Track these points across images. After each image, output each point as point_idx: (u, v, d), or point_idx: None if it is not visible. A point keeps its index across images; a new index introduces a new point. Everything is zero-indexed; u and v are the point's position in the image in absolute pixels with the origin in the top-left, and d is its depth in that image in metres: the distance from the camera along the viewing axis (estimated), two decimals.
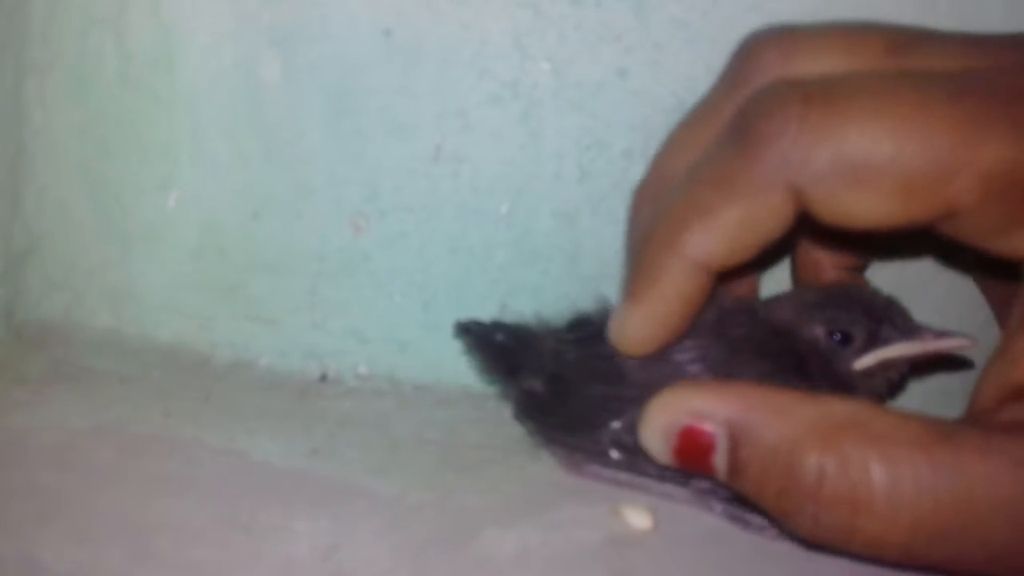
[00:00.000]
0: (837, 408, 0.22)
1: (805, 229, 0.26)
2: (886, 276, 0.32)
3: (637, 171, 0.32)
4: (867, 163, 0.22)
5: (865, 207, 0.23)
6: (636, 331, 0.26)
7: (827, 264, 0.30)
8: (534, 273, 0.33)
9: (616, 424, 0.28)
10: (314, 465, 0.28)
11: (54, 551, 0.23)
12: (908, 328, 0.27)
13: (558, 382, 0.29)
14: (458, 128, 0.33)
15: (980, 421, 0.23)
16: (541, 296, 0.32)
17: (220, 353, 0.34)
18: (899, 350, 0.27)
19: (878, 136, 0.22)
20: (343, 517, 0.25)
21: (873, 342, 0.27)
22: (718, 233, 0.24)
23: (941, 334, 0.27)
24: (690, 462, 0.24)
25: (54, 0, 0.32)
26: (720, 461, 0.23)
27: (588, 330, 0.29)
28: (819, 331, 0.27)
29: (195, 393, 0.32)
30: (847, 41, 0.25)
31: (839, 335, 0.27)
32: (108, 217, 0.34)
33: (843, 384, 0.27)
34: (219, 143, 0.33)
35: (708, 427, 0.23)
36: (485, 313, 0.32)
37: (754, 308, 0.28)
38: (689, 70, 0.32)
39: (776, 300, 0.29)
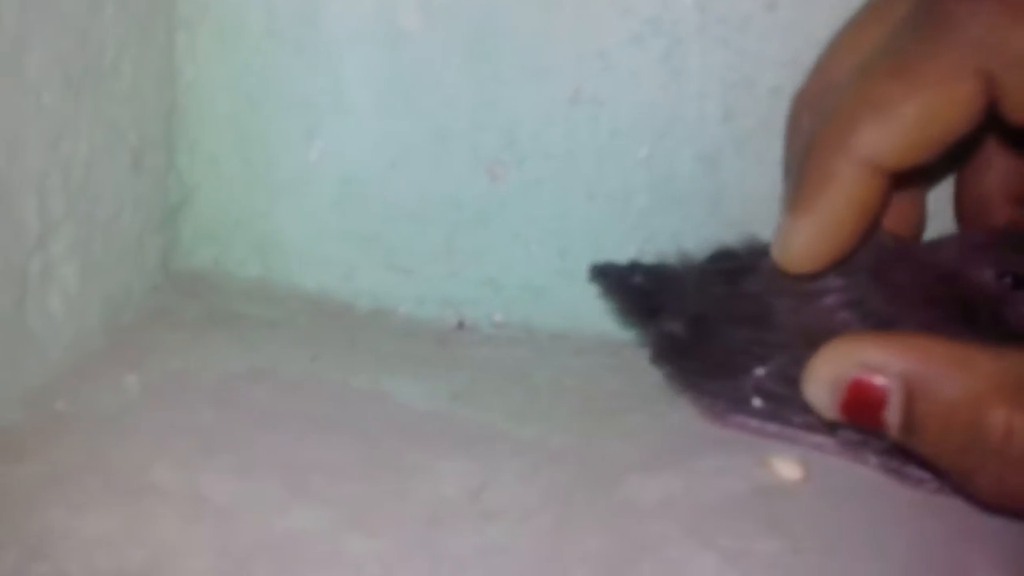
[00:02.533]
0: None
1: (973, 157, 0.24)
2: None
3: (785, 110, 0.31)
4: None
5: None
6: (802, 244, 0.24)
7: (997, 198, 0.28)
8: (675, 219, 0.33)
9: (760, 371, 0.27)
10: (455, 409, 0.28)
11: (216, 484, 0.24)
12: None
13: (700, 323, 0.28)
14: (598, 70, 0.32)
15: None
16: (682, 242, 0.31)
17: (361, 302, 0.35)
18: None
19: None
20: (487, 459, 0.26)
21: None
22: (896, 127, 0.22)
23: None
24: (859, 417, 0.23)
25: None
26: (893, 416, 0.22)
27: (733, 263, 0.28)
28: (988, 274, 0.25)
29: (340, 339, 0.33)
30: None
31: (1011, 277, 0.25)
32: (255, 169, 0.35)
33: (1017, 332, 0.25)
34: (360, 93, 0.33)
35: (880, 381, 0.22)
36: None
37: (916, 250, 0.27)
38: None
39: (940, 242, 0.27)
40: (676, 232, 0.32)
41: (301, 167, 0.34)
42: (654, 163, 0.32)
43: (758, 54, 0.31)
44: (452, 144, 0.33)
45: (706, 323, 0.28)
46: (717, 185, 0.32)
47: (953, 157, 0.27)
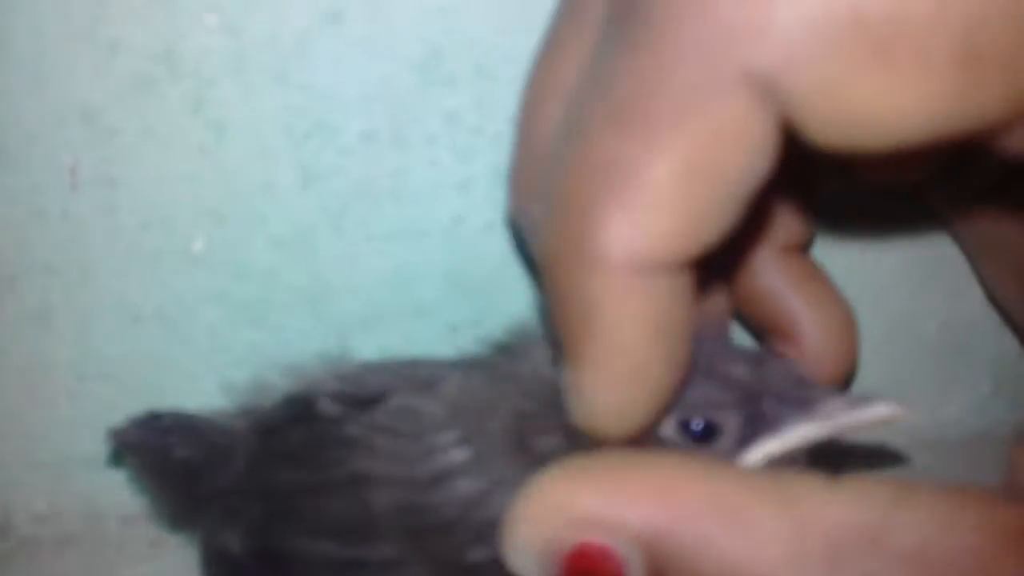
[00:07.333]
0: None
1: None
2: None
3: None
4: (899, 16, 0.11)
5: (902, 92, 0.11)
6: (607, 407, 0.14)
7: (760, 242, 0.19)
8: None
9: None
10: None
11: None
12: (801, 397, 0.16)
13: (265, 534, 0.17)
14: None
15: None
16: None
17: None
18: (796, 436, 0.15)
19: None
20: None
21: (755, 428, 0.16)
22: (655, 202, 0.12)
23: (855, 401, 0.15)
24: None
25: None
26: None
27: (312, 420, 0.17)
28: (668, 427, 0.16)
29: None
30: None
31: (699, 425, 0.16)
32: None
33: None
34: None
35: (611, 544, 0.13)
36: None
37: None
38: None
39: None
40: None
41: None
42: None
43: None
44: None
45: (274, 533, 0.17)
46: None
47: None
